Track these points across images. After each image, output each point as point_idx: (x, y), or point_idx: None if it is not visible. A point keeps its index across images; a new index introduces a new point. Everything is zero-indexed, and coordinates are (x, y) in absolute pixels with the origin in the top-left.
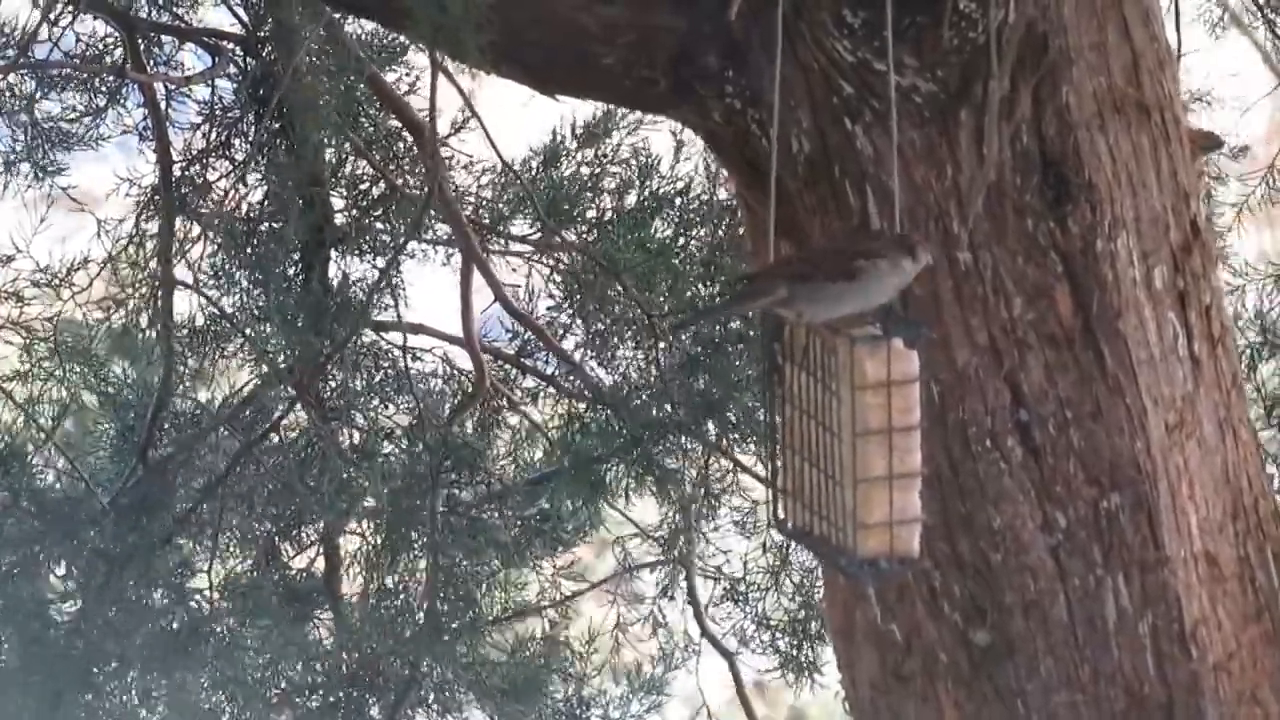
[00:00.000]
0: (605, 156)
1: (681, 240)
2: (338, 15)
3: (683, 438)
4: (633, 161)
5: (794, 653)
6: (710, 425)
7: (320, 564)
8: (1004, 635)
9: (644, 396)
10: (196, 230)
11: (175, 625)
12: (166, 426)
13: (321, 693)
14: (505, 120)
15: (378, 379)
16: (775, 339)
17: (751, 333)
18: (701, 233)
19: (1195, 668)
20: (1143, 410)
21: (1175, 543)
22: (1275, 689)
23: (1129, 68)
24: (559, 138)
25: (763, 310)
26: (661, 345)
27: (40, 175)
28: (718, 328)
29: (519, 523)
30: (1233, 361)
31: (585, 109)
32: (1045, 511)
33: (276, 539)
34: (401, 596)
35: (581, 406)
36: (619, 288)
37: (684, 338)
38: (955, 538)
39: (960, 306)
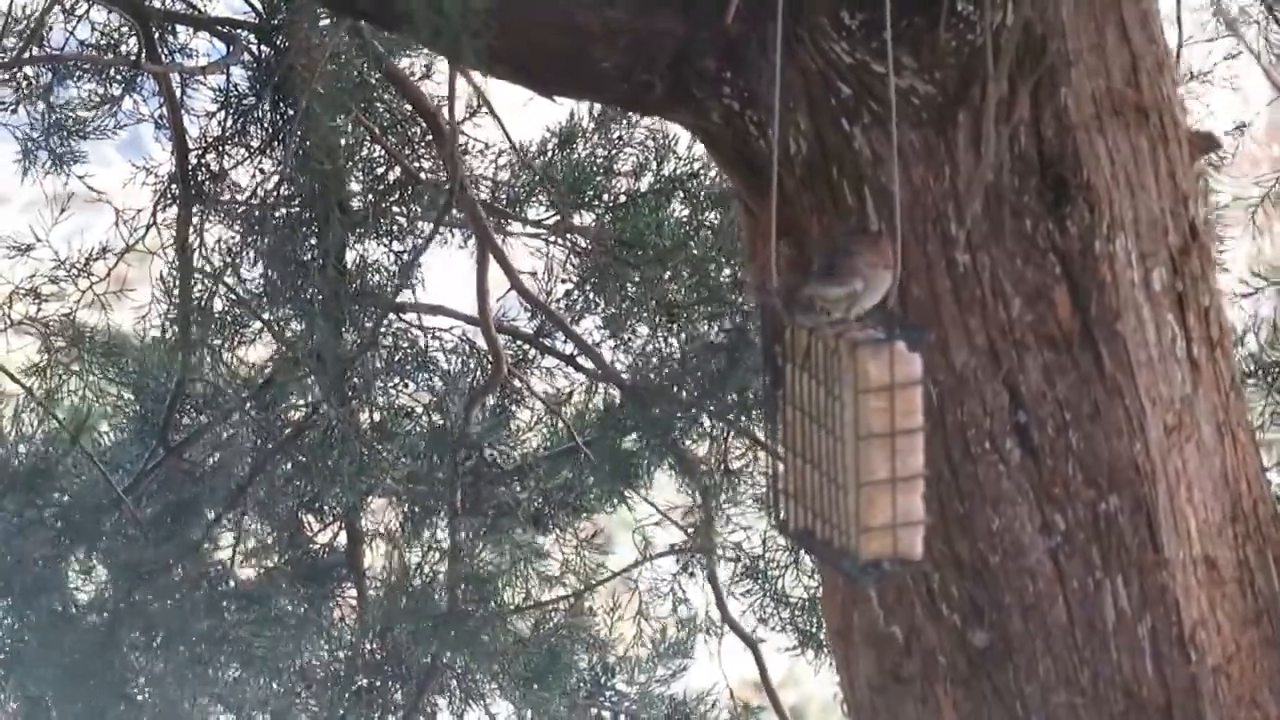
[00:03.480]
0: (620, 139)
1: (696, 222)
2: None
3: (702, 415)
4: (649, 143)
5: (814, 630)
6: (729, 400)
7: (342, 541)
8: (1003, 637)
9: (659, 377)
10: (213, 218)
11: (199, 607)
12: (186, 406)
13: (343, 681)
14: (509, 111)
15: (397, 359)
16: (776, 341)
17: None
18: (716, 216)
19: (1194, 670)
20: (1141, 412)
21: (1174, 545)
22: (1275, 692)
23: (1128, 70)
24: (575, 119)
25: (783, 304)
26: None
27: (59, 163)
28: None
29: (542, 496)
30: (1231, 364)
31: None
32: (1044, 513)
33: (301, 516)
34: (421, 581)
35: (600, 389)
36: (635, 270)
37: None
38: (954, 539)
39: (958, 308)
